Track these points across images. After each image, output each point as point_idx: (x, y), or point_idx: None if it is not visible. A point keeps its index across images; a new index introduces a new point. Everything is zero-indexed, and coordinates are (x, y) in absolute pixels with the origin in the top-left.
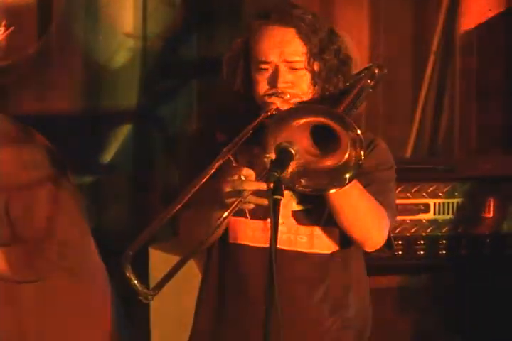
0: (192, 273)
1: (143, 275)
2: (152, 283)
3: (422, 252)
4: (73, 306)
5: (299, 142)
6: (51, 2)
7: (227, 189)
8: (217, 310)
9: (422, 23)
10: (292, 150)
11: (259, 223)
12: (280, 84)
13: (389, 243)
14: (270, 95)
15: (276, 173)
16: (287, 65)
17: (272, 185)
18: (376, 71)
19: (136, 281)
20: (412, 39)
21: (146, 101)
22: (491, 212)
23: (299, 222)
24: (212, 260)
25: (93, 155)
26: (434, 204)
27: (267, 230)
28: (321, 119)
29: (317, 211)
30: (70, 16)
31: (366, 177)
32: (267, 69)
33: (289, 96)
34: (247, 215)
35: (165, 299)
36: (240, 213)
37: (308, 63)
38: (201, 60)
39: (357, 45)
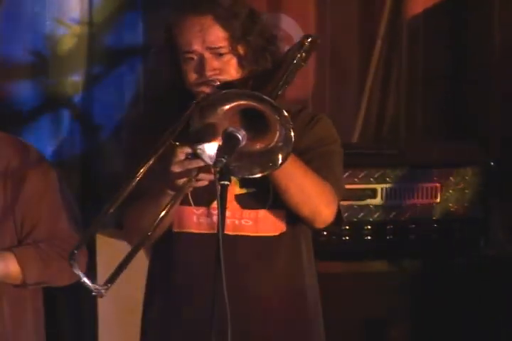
0: (140, 265)
1: (90, 261)
2: (100, 268)
3: (369, 237)
4: None
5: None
6: None
7: (177, 169)
8: (164, 299)
9: (369, 7)
10: (239, 136)
11: (203, 209)
12: (208, 72)
13: (338, 218)
14: (200, 84)
15: (223, 159)
16: (212, 52)
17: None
18: (306, 42)
19: (85, 278)
20: (358, 24)
21: (92, 88)
22: (438, 198)
23: (243, 205)
24: (158, 251)
25: (36, 142)
26: (382, 189)
27: (211, 216)
28: (247, 103)
29: (261, 194)
30: (17, 2)
31: (309, 153)
32: (192, 58)
33: (218, 83)
34: (191, 202)
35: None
36: (183, 201)
37: (232, 47)
38: (147, 45)
39: (303, 29)
